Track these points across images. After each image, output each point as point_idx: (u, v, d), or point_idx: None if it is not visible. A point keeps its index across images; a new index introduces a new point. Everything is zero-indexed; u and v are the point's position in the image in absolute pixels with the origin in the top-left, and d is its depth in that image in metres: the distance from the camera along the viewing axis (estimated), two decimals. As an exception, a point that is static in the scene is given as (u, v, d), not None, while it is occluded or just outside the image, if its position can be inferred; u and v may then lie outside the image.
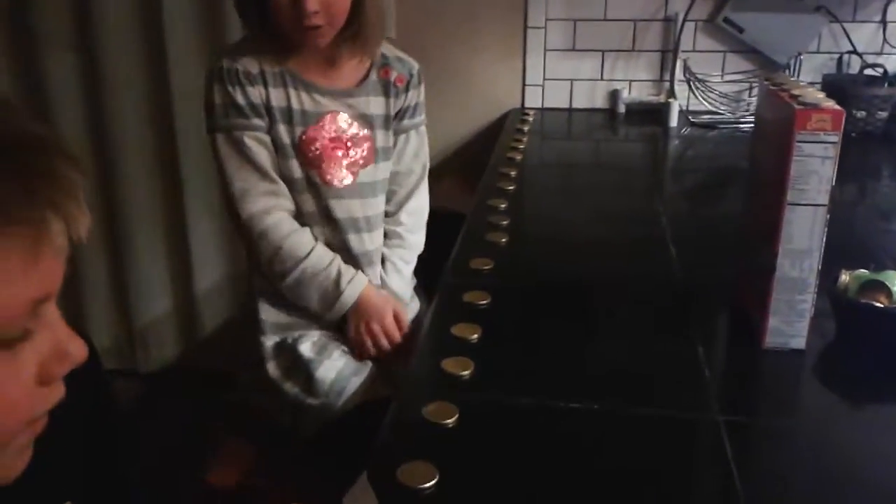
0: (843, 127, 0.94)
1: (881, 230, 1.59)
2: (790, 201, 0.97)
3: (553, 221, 1.59)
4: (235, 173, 1.29)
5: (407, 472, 0.78)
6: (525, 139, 2.04)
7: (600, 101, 2.34)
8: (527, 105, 2.36)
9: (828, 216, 0.97)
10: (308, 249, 1.32)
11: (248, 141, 1.28)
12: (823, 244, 0.98)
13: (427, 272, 1.54)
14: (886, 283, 1.03)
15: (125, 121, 2.27)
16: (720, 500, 0.79)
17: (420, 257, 1.52)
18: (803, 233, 0.98)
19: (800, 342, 1.01)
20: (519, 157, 1.89)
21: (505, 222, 1.45)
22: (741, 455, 0.82)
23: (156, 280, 2.43)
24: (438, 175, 2.32)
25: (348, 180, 1.36)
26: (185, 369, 2.43)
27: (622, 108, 2.30)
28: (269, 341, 1.37)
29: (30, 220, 0.46)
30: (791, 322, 1.00)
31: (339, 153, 1.32)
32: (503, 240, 1.38)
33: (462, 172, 2.21)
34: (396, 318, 1.38)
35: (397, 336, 1.38)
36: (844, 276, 1.07)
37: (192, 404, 2.05)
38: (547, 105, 2.36)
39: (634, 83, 2.32)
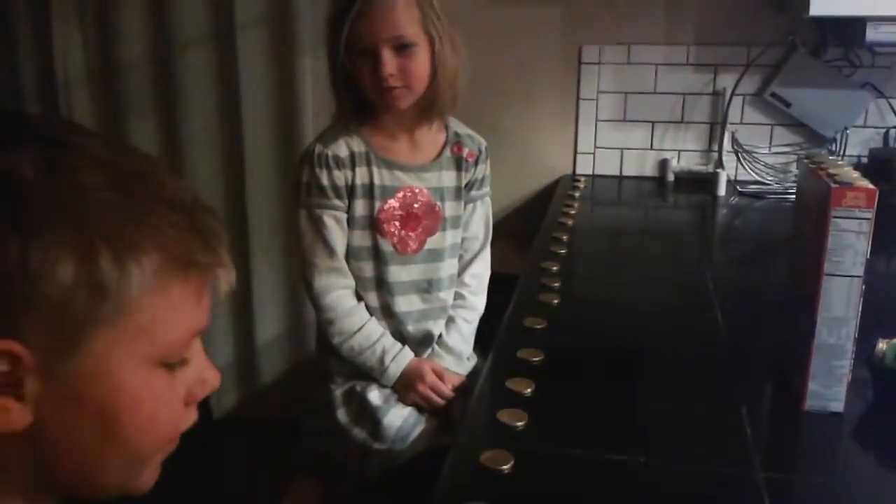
0: (876, 204, 1.01)
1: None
2: (827, 272, 1.03)
3: (603, 285, 1.66)
4: (308, 247, 1.44)
5: (466, 512, 0.85)
6: (576, 205, 2.12)
7: (650, 170, 2.43)
8: (578, 172, 2.46)
9: (863, 287, 1.03)
10: (357, 327, 1.46)
11: (327, 219, 1.43)
12: (859, 313, 1.04)
13: (482, 330, 1.63)
14: (922, 351, 1.08)
15: (197, 179, 2.42)
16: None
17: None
18: (840, 302, 1.04)
19: (838, 406, 1.06)
20: (570, 222, 1.97)
21: (556, 284, 1.53)
22: (779, 510, 0.88)
23: (219, 331, 2.55)
24: (492, 238, 2.42)
25: (417, 247, 1.49)
26: (244, 418, 2.53)
27: (671, 177, 2.38)
28: (339, 389, 1.47)
29: (206, 266, 0.56)
30: (830, 386, 1.06)
31: (412, 223, 1.45)
32: (555, 301, 1.46)
33: (515, 236, 2.30)
34: (437, 374, 1.47)
35: (444, 389, 1.47)
36: (882, 345, 1.12)
37: (258, 449, 2.14)
38: (598, 172, 2.45)
39: (683, 153, 2.40)
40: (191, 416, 0.60)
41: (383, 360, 1.45)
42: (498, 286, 1.65)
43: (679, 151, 2.40)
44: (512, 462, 0.94)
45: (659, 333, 1.38)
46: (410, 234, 1.47)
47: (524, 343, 1.27)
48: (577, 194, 2.23)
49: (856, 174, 1.07)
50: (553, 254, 1.72)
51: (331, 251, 1.43)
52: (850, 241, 1.02)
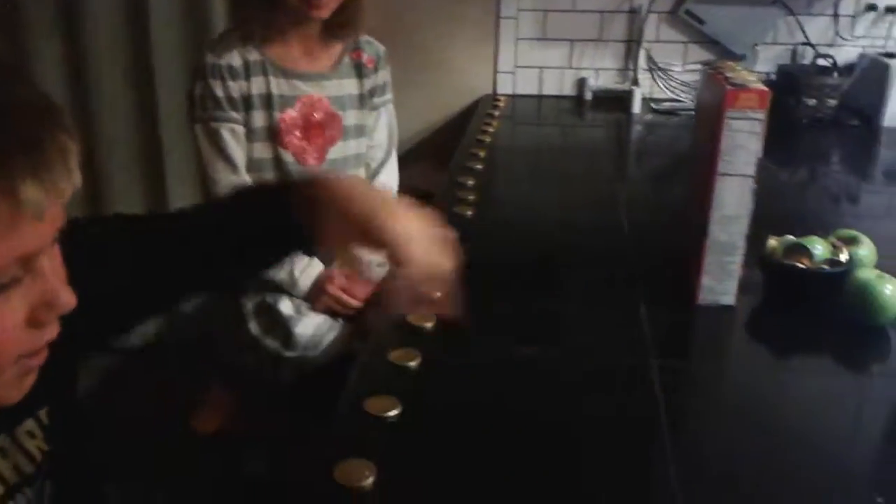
0: (768, 105, 1.05)
1: (820, 204, 1.73)
2: (721, 172, 1.08)
3: (517, 199, 1.69)
4: (209, 162, 1.42)
5: (373, 404, 0.88)
6: (495, 123, 2.14)
7: (569, 89, 2.45)
8: (498, 91, 2.47)
9: (755, 186, 1.08)
10: None
11: (224, 133, 1.40)
12: (751, 211, 1.09)
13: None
14: (809, 246, 1.14)
15: (104, 108, 2.34)
16: (648, 429, 0.89)
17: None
18: (732, 201, 1.09)
19: (730, 299, 1.12)
20: (489, 140, 1.99)
21: (472, 197, 1.55)
22: (670, 393, 0.93)
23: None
24: (413, 157, 2.42)
25: (318, 158, 1.47)
26: (164, 343, 2.50)
27: (589, 96, 2.41)
28: (250, 302, 1.48)
29: (3, 189, 0.50)
30: (722, 280, 1.12)
31: (313, 133, 1.44)
32: (469, 213, 1.48)
33: (435, 155, 2.31)
34: (346, 277, 1.49)
35: (353, 290, 1.48)
36: (772, 242, 1.18)
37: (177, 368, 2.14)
38: (518, 92, 2.46)
39: (601, 71, 2.43)
40: (44, 335, 0.58)
41: (292, 273, 1.45)
42: (419, 204, 1.66)
43: (597, 70, 2.43)
44: (419, 359, 0.97)
45: (568, 243, 1.41)
46: (311, 144, 1.45)
47: (437, 251, 1.29)
48: (496, 113, 2.24)
49: (751, 77, 1.11)
50: (470, 169, 1.74)
51: (232, 166, 1.41)
52: (742, 142, 1.06)
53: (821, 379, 1.03)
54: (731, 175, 1.08)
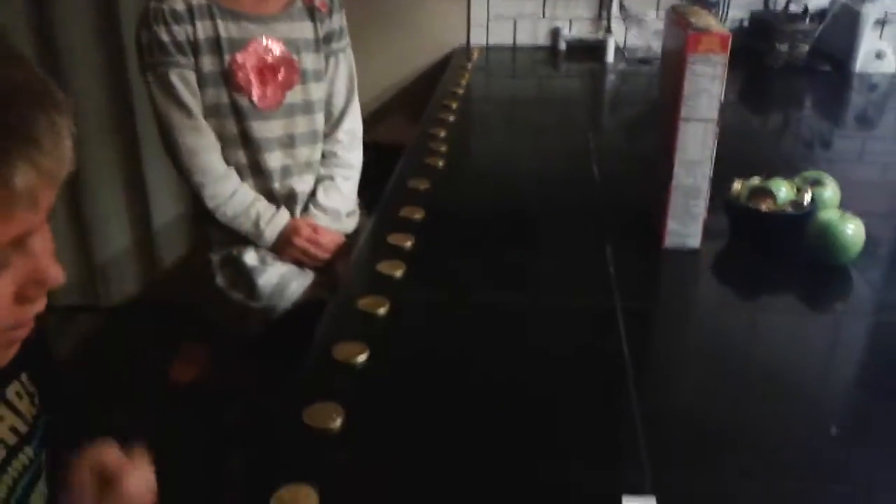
0: (729, 49, 1.06)
1: (791, 148, 1.75)
2: (684, 117, 1.08)
3: (489, 151, 1.70)
4: (163, 111, 1.39)
5: (341, 350, 0.89)
6: (468, 75, 2.13)
7: (542, 39, 2.44)
8: (472, 43, 2.45)
9: (717, 129, 1.09)
10: (230, 192, 1.44)
11: (173, 78, 1.37)
12: (714, 155, 1.10)
13: (371, 199, 1.64)
14: (773, 189, 1.16)
15: (78, 62, 2.30)
16: (614, 369, 0.91)
17: (365, 185, 1.62)
18: (696, 145, 1.10)
19: (695, 242, 1.14)
20: (461, 92, 1.98)
21: (443, 148, 1.56)
22: (635, 334, 0.95)
23: (114, 217, 2.49)
24: (386, 110, 2.42)
25: (275, 101, 1.45)
26: (146, 302, 2.52)
27: (563, 46, 2.40)
28: (217, 256, 1.48)
29: None
30: (687, 224, 1.13)
31: (267, 76, 1.41)
32: (440, 163, 1.49)
33: (409, 108, 2.30)
34: (313, 229, 1.48)
35: (321, 240, 1.48)
36: (737, 185, 1.19)
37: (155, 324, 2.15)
38: (491, 43, 2.45)
39: (575, 21, 2.42)
40: (31, 310, 0.58)
41: (258, 224, 1.45)
42: (388, 156, 1.66)
43: (571, 20, 2.41)
44: (388, 306, 0.99)
45: (540, 193, 1.42)
46: (267, 88, 1.43)
47: (408, 202, 1.30)
48: (469, 65, 2.23)
49: (713, 21, 1.11)
50: (442, 121, 1.74)
51: (187, 110, 1.39)
52: (704, 86, 1.07)
53: (784, 318, 1.05)
54: (694, 119, 1.09)
